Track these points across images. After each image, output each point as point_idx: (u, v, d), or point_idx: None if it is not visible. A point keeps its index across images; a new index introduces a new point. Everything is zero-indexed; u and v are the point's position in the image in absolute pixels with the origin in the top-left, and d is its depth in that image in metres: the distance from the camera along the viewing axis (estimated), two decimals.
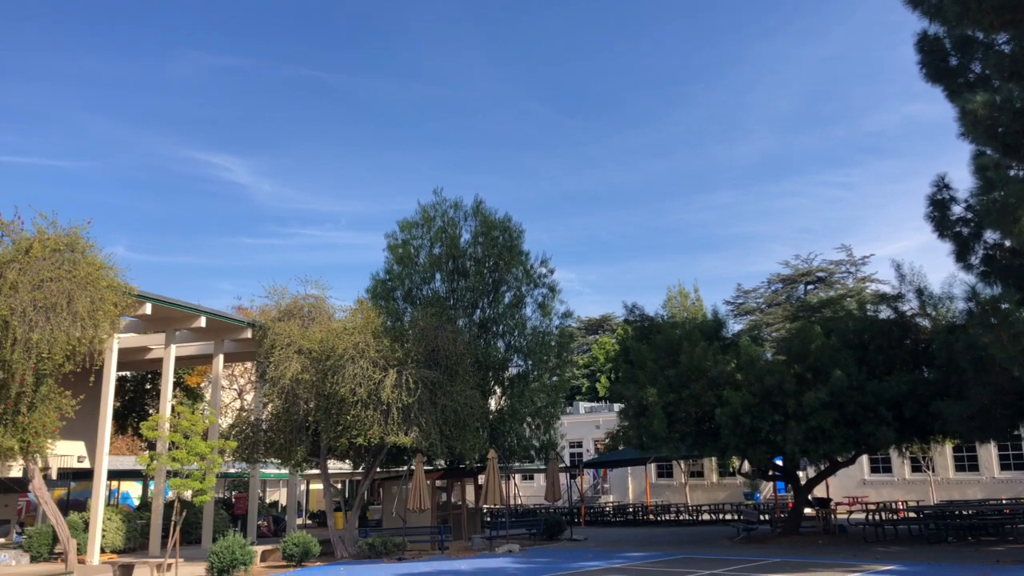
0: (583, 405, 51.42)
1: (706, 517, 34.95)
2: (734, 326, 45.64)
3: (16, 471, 20.86)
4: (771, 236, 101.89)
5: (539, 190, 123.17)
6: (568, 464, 40.24)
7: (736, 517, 31.70)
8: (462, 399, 23.19)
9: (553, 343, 29.66)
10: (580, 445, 47.01)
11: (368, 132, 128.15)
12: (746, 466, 27.14)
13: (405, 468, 27.33)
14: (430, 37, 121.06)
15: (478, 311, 29.16)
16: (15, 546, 25.81)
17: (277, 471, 30.07)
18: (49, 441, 18.28)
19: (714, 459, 38.68)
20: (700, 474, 43.34)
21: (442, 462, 28.13)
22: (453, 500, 29.01)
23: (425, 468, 24.38)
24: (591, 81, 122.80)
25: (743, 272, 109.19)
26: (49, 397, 17.72)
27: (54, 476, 27.29)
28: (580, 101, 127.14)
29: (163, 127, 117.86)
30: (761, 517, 27.94)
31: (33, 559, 22.86)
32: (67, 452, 25.75)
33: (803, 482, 27.08)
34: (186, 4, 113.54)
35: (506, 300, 29.50)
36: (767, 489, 40.42)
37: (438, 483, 27.98)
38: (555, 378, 30.19)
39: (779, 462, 25.50)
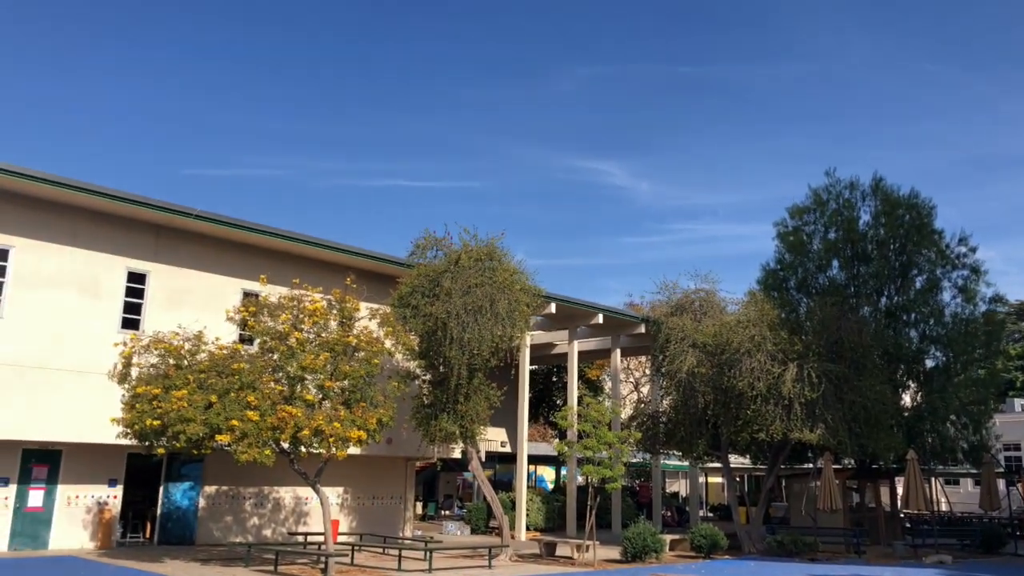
0: (1019, 402, 44.36)
1: None
2: None
3: (455, 453, 24.04)
4: None
5: (941, 158, 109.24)
6: (1005, 468, 35.03)
7: None
8: (871, 394, 21.45)
9: (979, 332, 26.05)
10: (1018, 448, 40.66)
11: (740, 119, 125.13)
12: None
13: (811, 466, 26.04)
14: (797, 14, 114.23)
15: (884, 298, 26.73)
16: (457, 518, 29.79)
17: (677, 462, 30.59)
18: (481, 427, 20.72)
19: None
20: None
21: (851, 461, 26.30)
22: (867, 502, 26.93)
23: (833, 467, 22.97)
24: (988, 27, 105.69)
25: None
26: (480, 388, 20.09)
27: (483, 459, 30.94)
28: (980, 52, 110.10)
29: (547, 140, 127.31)
30: None
31: (472, 531, 26.16)
32: (492, 438, 28.94)
33: None
34: (560, 25, 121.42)
35: (917, 285, 26.65)
36: None
37: (848, 483, 26.20)
38: (983, 371, 26.50)
39: None
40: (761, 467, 29.29)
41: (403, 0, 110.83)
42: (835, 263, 27.39)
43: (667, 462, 30.51)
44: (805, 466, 28.14)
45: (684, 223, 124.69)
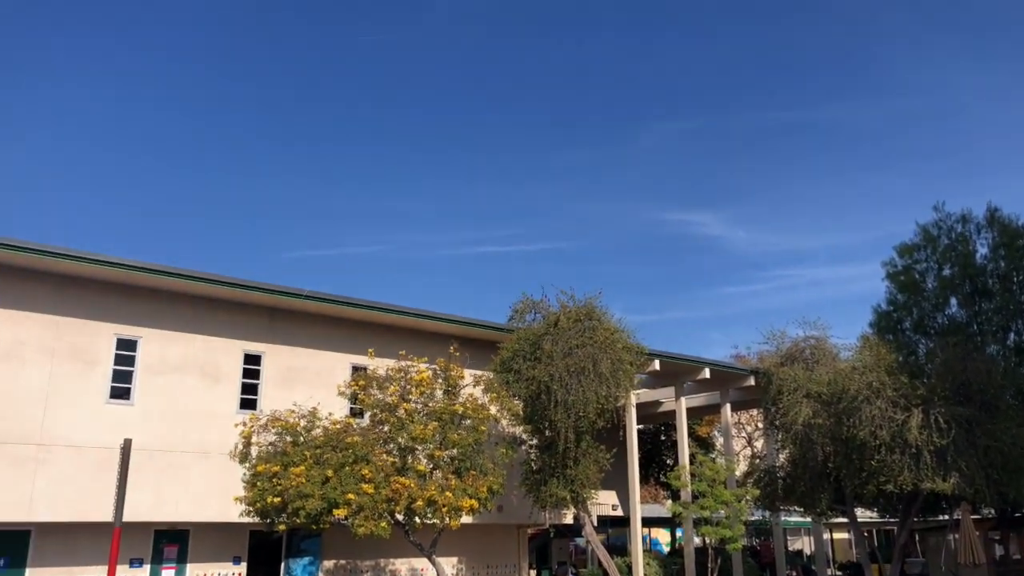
0: None
1: None
2: None
3: (567, 518, 23.71)
4: None
5: None
6: None
7: None
8: (1007, 437, 20.04)
9: None
10: None
11: (836, 160, 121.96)
12: None
13: (946, 517, 24.41)
14: (895, 49, 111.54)
15: (1011, 334, 25.17)
16: None
17: (799, 519, 29.22)
18: (592, 491, 20.42)
19: None
20: None
21: (991, 510, 24.52)
22: (1011, 554, 24.96)
23: (972, 517, 21.46)
24: None
25: None
26: (588, 451, 19.88)
27: (595, 523, 30.36)
28: None
29: (635, 196, 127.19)
30: None
31: None
32: (603, 501, 28.42)
33: None
34: (648, 83, 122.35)
35: None
36: None
37: (990, 534, 24.40)
38: None
39: None
40: (891, 521, 27.65)
41: (477, 71, 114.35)
42: (953, 301, 26.09)
43: (788, 519, 29.17)
44: (940, 518, 26.38)
45: (785, 268, 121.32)
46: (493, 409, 17.87)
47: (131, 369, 18.04)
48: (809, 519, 26.66)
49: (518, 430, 20.18)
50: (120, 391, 17.78)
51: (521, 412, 19.18)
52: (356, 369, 20.11)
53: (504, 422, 19.12)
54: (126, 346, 18.02)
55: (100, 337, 17.72)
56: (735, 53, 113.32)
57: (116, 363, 17.82)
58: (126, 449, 14.68)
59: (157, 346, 18.45)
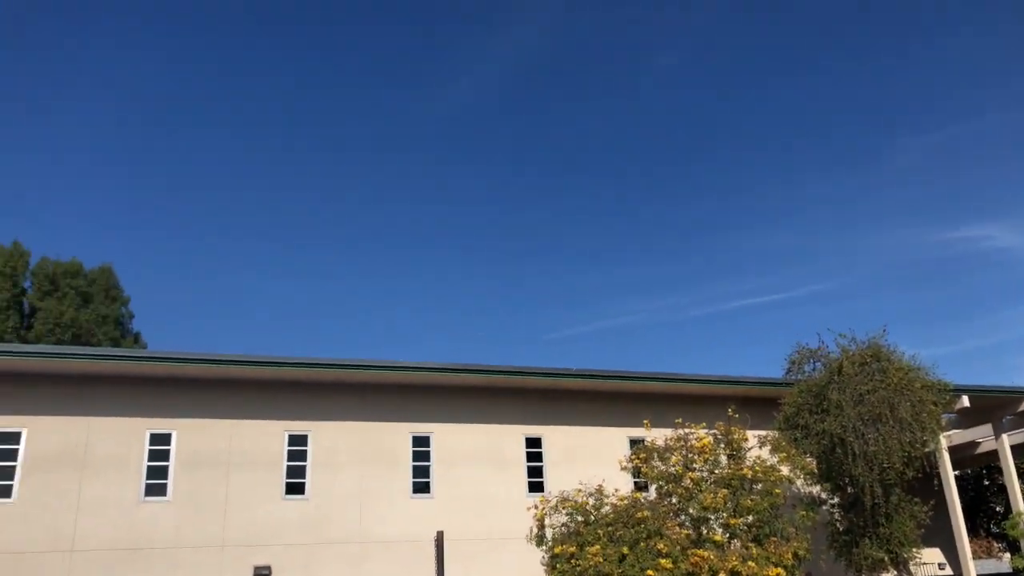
0: None
1: None
2: None
3: None
4: None
5: None
6: None
7: None
8: None
9: None
10: None
11: None
12: None
13: None
14: None
15: None
16: None
17: None
18: (913, 550, 18.39)
19: None
20: None
21: None
22: None
23: None
24: None
25: None
26: (901, 506, 18.02)
27: None
28: None
29: (897, 220, 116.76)
30: None
31: None
32: (928, 559, 25.47)
33: None
34: (886, 102, 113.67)
35: None
36: None
37: None
38: None
39: None
40: None
41: (704, 118, 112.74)
42: None
43: None
44: None
45: None
46: (784, 470, 16.86)
47: (427, 464, 19.37)
48: None
49: (815, 489, 18.83)
50: (420, 486, 19.12)
51: (816, 470, 17.91)
52: (633, 442, 20.06)
53: (799, 482, 17.95)
54: (421, 443, 19.44)
55: (399, 437, 19.30)
56: (976, 53, 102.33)
57: (414, 459, 19.26)
58: (439, 541, 15.62)
59: (448, 439, 19.70)
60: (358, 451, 18.83)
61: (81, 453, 16.93)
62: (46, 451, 16.74)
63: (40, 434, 16.81)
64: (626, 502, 16.77)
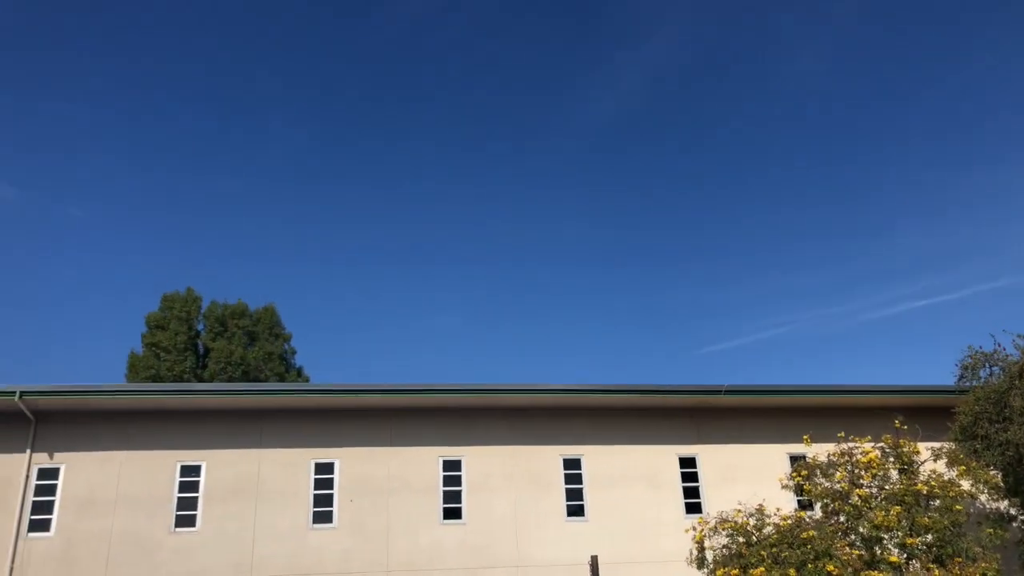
0: None
1: None
2: None
3: None
4: None
5: None
6: None
7: None
8: None
9: None
10: None
11: None
12: None
13: None
14: None
15: None
16: None
17: None
18: None
19: None
20: None
21: None
22: None
23: None
24: None
25: None
26: None
27: None
28: None
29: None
30: None
31: None
32: None
33: None
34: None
35: None
36: None
37: None
38: None
39: None
40: None
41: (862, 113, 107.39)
42: None
43: None
44: None
45: None
46: (965, 484, 15.63)
47: (579, 487, 19.31)
48: None
49: (1003, 504, 17.33)
50: (574, 508, 19.07)
51: (1001, 483, 16.48)
52: (793, 459, 19.23)
53: (983, 497, 16.60)
54: (572, 465, 19.44)
55: (549, 460, 19.37)
56: None
57: (566, 482, 19.27)
58: (594, 565, 15.52)
59: (599, 461, 19.59)
60: (510, 475, 19.05)
61: (254, 484, 18.04)
62: (223, 482, 17.95)
63: (217, 467, 18.06)
64: (790, 521, 16.05)
